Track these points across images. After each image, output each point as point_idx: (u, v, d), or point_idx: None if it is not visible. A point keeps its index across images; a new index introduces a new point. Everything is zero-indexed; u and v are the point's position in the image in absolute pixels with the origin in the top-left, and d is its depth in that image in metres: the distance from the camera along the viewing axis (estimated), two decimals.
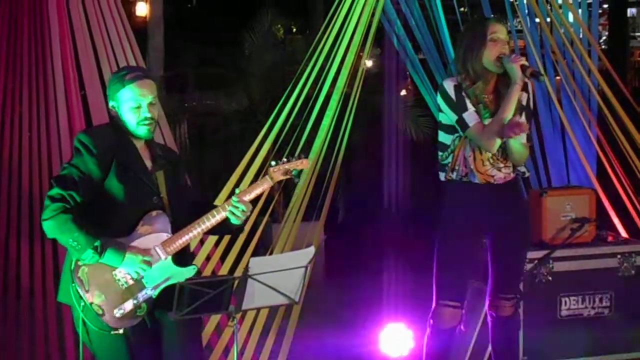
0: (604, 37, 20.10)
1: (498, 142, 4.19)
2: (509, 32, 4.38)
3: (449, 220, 4.34)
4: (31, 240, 5.11)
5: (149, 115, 3.61)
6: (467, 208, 4.29)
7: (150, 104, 3.62)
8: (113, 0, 5.28)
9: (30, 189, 5.11)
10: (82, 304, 3.49)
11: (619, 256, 5.16)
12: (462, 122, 4.23)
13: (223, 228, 3.77)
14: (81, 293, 3.49)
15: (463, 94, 4.23)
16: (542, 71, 5.83)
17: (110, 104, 3.67)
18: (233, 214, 3.68)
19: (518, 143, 4.24)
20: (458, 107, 4.23)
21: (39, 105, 5.17)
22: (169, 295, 3.51)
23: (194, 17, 20.73)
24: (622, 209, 5.72)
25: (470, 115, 4.21)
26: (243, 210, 3.68)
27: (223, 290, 3.56)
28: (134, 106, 3.60)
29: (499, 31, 4.21)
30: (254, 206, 4.07)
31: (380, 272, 7.53)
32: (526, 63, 4.14)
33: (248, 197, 3.71)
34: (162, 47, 11.12)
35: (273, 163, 3.77)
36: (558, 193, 5.26)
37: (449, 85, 4.27)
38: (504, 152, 4.28)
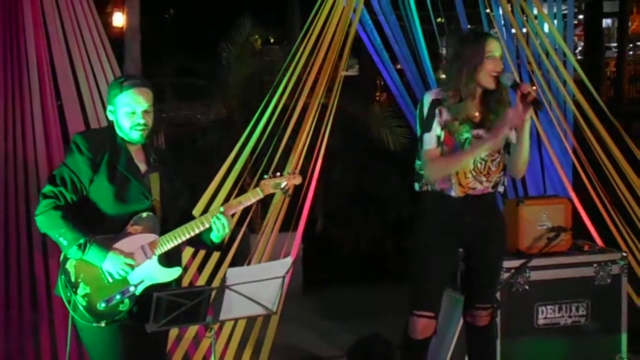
0: (580, 48, 20.29)
1: (440, 174, 4.20)
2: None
3: (425, 231, 4.34)
4: (6, 248, 5.07)
5: (142, 121, 3.70)
6: (442, 218, 4.29)
7: (145, 112, 3.70)
8: (89, 10, 5.27)
9: (6, 197, 5.07)
10: (69, 294, 3.58)
11: (595, 265, 5.19)
12: (420, 141, 4.25)
13: (201, 241, 3.82)
14: (68, 284, 3.58)
15: (436, 110, 4.21)
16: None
17: (108, 108, 3.76)
18: (215, 224, 3.72)
19: (527, 151, 4.25)
20: (424, 125, 4.24)
21: (14, 115, 5.13)
22: (146, 306, 3.52)
23: (172, 28, 20.72)
24: (598, 218, 5.75)
25: (431, 139, 4.21)
26: (223, 225, 3.71)
27: (200, 301, 3.57)
28: (129, 112, 3.69)
29: (495, 49, 4.20)
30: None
31: (358, 282, 7.55)
32: (533, 94, 4.11)
33: (235, 210, 3.78)
34: (139, 57, 11.05)
35: (265, 176, 3.82)
36: (534, 202, 5.28)
37: (427, 99, 4.26)
38: (486, 167, 4.28)
